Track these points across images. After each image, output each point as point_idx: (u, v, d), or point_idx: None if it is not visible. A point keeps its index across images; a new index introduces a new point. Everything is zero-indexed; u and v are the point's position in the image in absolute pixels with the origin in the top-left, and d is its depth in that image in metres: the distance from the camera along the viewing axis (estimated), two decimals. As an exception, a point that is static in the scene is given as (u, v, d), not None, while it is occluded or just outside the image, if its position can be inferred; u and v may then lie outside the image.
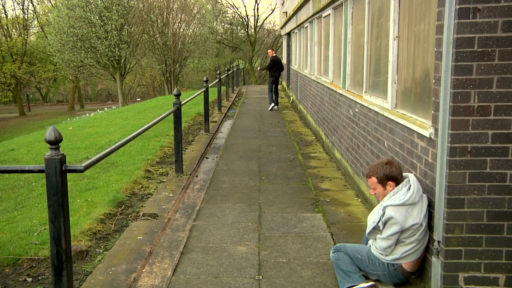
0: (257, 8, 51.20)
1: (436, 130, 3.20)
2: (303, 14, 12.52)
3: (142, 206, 5.42)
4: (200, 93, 10.40)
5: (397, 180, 3.41)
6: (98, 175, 6.71)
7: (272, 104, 15.09)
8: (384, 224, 3.34)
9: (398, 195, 3.34)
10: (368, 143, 5.31)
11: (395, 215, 3.27)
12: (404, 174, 3.50)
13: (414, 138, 3.69)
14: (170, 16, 30.42)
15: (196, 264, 4.01)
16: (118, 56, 27.77)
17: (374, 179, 3.48)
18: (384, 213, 3.34)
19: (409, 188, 3.32)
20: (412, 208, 3.29)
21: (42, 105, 47.98)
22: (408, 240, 3.33)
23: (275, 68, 14.98)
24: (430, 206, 3.35)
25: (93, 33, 26.67)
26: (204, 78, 10.70)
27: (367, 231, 3.50)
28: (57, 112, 38.54)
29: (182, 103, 6.89)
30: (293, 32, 17.37)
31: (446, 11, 2.98)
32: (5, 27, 39.62)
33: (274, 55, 15.45)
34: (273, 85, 15.19)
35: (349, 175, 6.37)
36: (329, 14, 8.49)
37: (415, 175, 3.66)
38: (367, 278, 3.52)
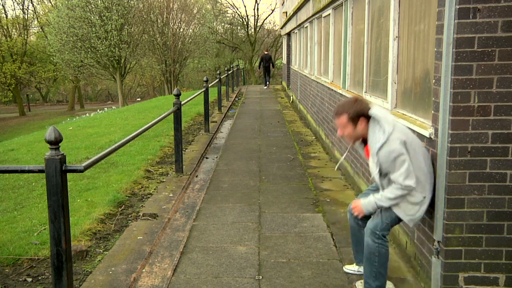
0: (257, 8, 51.22)
1: (436, 130, 3.20)
2: (303, 14, 12.52)
3: (142, 206, 5.42)
4: (200, 93, 10.39)
5: (368, 116, 3.15)
6: (98, 175, 6.71)
7: (266, 86, 24.46)
8: (393, 161, 3.05)
9: (376, 138, 3.09)
10: (368, 143, 5.31)
11: (391, 147, 3.02)
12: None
13: (414, 138, 3.68)
14: (170, 16, 30.42)
15: (196, 264, 4.01)
16: (118, 56, 27.78)
17: (344, 118, 3.17)
18: (378, 158, 3.10)
19: (380, 126, 3.09)
20: (397, 130, 3.08)
21: (42, 105, 47.99)
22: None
23: (263, 61, 23.63)
24: (430, 205, 3.35)
25: (93, 33, 26.68)
26: (204, 78, 10.70)
27: (378, 181, 3.21)
28: (57, 112, 38.54)
29: (182, 103, 6.88)
30: (293, 32, 17.37)
31: (446, 11, 2.99)
32: (5, 27, 39.62)
33: (265, 52, 23.99)
34: (265, 71, 24.02)
35: (349, 175, 6.37)
36: (329, 14, 8.49)
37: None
38: None
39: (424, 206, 3.19)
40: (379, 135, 3.09)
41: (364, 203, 3.29)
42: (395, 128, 3.10)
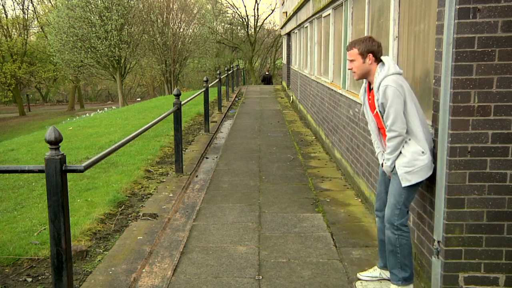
0: (257, 8, 51.18)
1: (436, 130, 3.20)
2: (303, 14, 12.52)
3: (142, 206, 5.42)
4: (200, 93, 10.39)
5: (376, 55, 3.27)
6: (98, 175, 6.71)
7: None
8: (384, 96, 3.12)
9: (380, 75, 3.19)
10: (368, 143, 5.31)
11: (389, 83, 3.10)
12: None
13: (414, 138, 3.68)
14: (170, 16, 30.43)
15: (196, 264, 4.01)
16: (118, 56, 27.76)
17: (355, 51, 3.29)
18: (378, 94, 3.16)
19: (386, 67, 3.20)
20: (400, 77, 3.16)
21: (42, 105, 47.97)
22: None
23: (264, 79, 31.24)
24: (431, 205, 3.35)
25: (93, 33, 26.66)
26: (204, 78, 10.70)
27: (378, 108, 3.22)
28: (57, 112, 38.54)
29: (182, 103, 6.88)
30: (293, 32, 17.37)
31: (446, 11, 2.99)
32: (5, 27, 39.61)
33: (267, 73, 31.91)
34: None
35: (349, 175, 6.36)
36: (329, 14, 8.49)
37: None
38: None
39: (422, 163, 3.14)
40: (382, 73, 3.19)
41: (383, 167, 3.40)
42: (399, 75, 3.18)
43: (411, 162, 3.16)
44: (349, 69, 3.38)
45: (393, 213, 3.27)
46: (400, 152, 3.21)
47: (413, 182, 3.18)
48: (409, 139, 3.17)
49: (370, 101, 3.39)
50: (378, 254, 3.71)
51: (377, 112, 3.28)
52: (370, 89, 3.40)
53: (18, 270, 3.83)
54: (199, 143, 9.11)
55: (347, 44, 3.39)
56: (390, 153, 3.23)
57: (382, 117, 3.23)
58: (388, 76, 3.14)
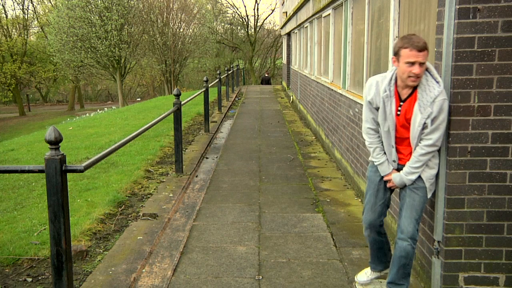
0: (257, 8, 51.26)
1: (436, 130, 3.20)
2: (303, 14, 12.52)
3: (142, 206, 5.42)
4: (200, 93, 10.39)
5: None
6: (98, 175, 6.71)
7: None
8: (437, 113, 2.90)
9: (431, 86, 2.91)
10: (368, 143, 5.30)
11: (446, 96, 2.91)
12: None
13: (414, 138, 3.68)
14: (170, 16, 30.43)
15: (196, 264, 4.01)
16: (118, 56, 27.78)
17: (426, 53, 2.86)
18: (433, 106, 2.88)
19: (432, 76, 2.95)
20: None
21: (42, 105, 47.99)
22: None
23: (263, 81, 32.97)
24: (431, 205, 3.35)
25: (93, 33, 26.67)
26: (204, 78, 10.70)
27: (416, 133, 2.98)
28: (57, 112, 38.55)
29: (182, 103, 6.88)
30: (293, 32, 17.37)
31: (446, 11, 2.99)
32: (5, 27, 39.62)
33: (266, 75, 33.96)
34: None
35: (349, 175, 6.37)
36: (329, 14, 8.49)
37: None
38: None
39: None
40: (434, 83, 2.92)
41: (394, 177, 3.19)
42: None
43: (436, 174, 3.13)
44: (416, 73, 2.87)
45: (415, 228, 3.13)
46: (427, 165, 3.10)
47: (434, 189, 3.18)
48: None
49: (403, 109, 3.05)
50: (374, 260, 3.56)
51: (407, 121, 3.04)
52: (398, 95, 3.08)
53: (18, 270, 3.83)
54: (199, 143, 9.11)
55: (419, 42, 2.84)
56: (419, 167, 3.06)
57: (424, 129, 2.95)
58: (444, 92, 2.92)
